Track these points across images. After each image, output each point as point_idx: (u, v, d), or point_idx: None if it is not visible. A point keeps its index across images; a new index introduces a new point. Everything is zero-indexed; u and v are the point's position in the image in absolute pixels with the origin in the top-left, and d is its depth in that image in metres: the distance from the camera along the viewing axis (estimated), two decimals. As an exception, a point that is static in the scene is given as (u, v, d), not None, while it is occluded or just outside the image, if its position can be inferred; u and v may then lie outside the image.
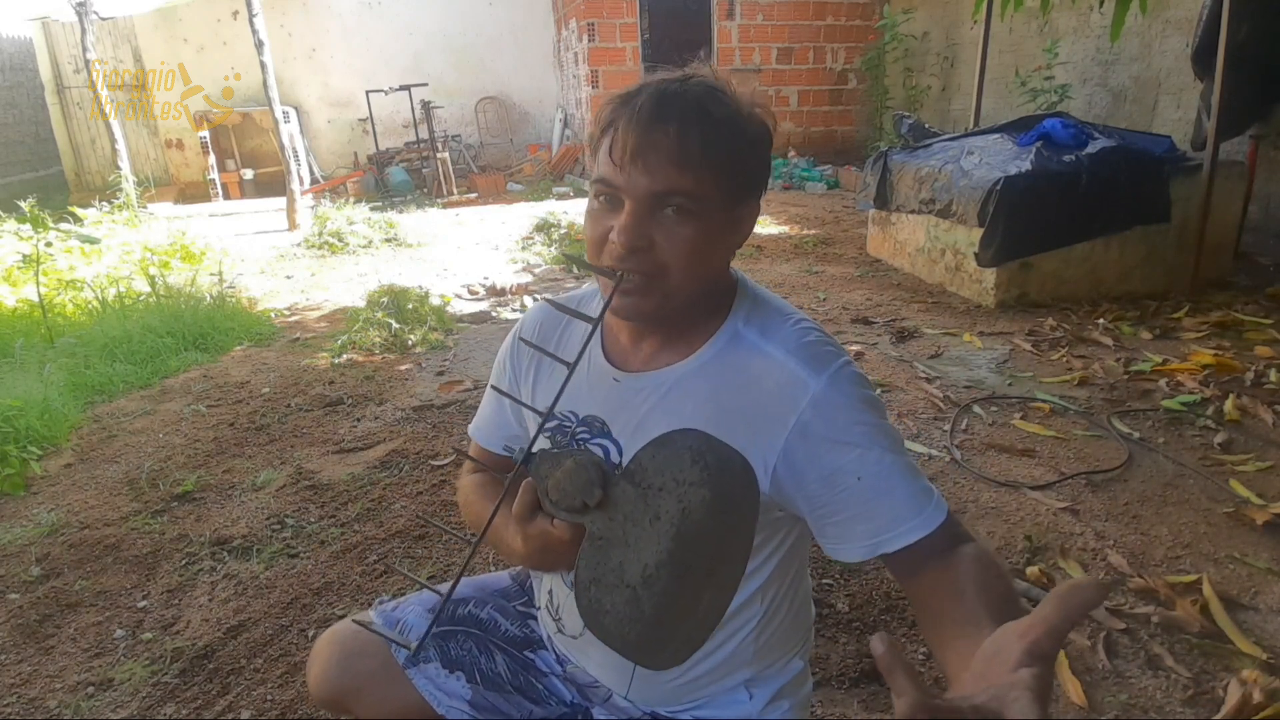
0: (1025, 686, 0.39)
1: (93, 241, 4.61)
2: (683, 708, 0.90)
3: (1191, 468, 2.18)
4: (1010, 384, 2.83)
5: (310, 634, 1.68)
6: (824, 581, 1.78)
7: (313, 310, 4.34)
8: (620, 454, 0.84)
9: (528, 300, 4.32)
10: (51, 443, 2.63)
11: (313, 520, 2.13)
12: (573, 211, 6.42)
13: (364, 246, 5.95)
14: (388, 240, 6.10)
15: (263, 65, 6.53)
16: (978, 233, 3.64)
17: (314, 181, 9.03)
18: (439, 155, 8.28)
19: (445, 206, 7.92)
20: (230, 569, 1.93)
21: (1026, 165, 3.58)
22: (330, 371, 3.27)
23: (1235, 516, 1.94)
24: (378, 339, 3.55)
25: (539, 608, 1.01)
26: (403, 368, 3.32)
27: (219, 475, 2.41)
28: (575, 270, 4.89)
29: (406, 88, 8.55)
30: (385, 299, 3.78)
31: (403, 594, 1.09)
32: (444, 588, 0.71)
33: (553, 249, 5.45)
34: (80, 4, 6.86)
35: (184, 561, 1.97)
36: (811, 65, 8.98)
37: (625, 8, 8.28)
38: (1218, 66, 3.43)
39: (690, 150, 0.72)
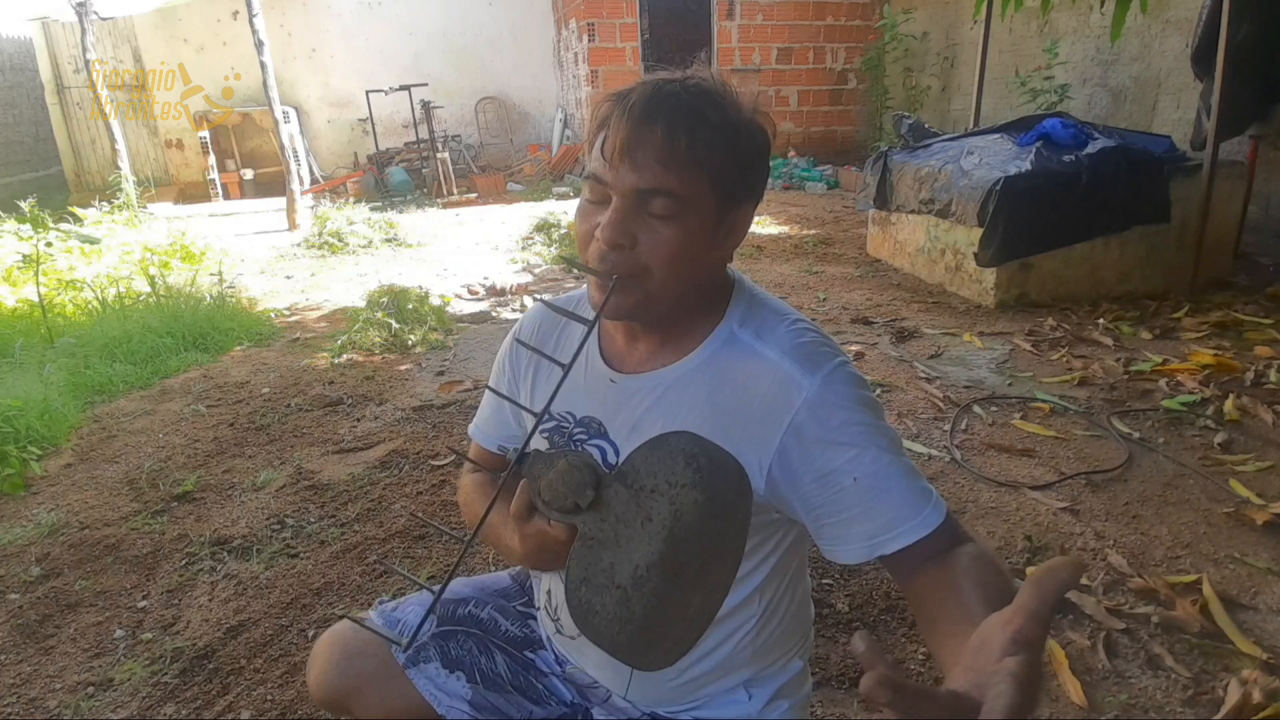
0: (1008, 673, 0.38)
1: (93, 241, 4.62)
2: (682, 708, 0.90)
3: (1191, 468, 2.18)
4: (1010, 384, 2.83)
5: (310, 634, 1.68)
6: (824, 581, 1.78)
7: (313, 310, 4.34)
8: (616, 455, 0.84)
9: (528, 300, 4.32)
10: (51, 443, 2.63)
11: (313, 520, 2.13)
12: (572, 211, 6.36)
13: (364, 246, 5.95)
14: (388, 240, 6.10)
15: (263, 65, 6.53)
16: (978, 233, 3.64)
17: (314, 181, 9.04)
18: (439, 155, 8.28)
19: (445, 206, 7.92)
20: (230, 569, 1.93)
21: (1026, 165, 3.58)
22: (330, 371, 3.27)
23: (1235, 516, 1.94)
24: (378, 339, 3.55)
25: (538, 608, 1.01)
26: (403, 368, 3.32)
27: (219, 475, 2.41)
28: (575, 270, 4.89)
29: (406, 88, 8.55)
30: (385, 299, 3.78)
31: (403, 594, 1.09)
32: (438, 587, 0.71)
33: (553, 249, 5.45)
34: (80, 4, 6.85)
35: (184, 561, 1.97)
36: (811, 65, 8.98)
37: (625, 8, 8.28)
38: (1218, 66, 3.43)
39: (678, 150, 0.71)
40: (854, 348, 3.24)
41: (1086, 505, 2.03)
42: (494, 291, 4.53)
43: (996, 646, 0.40)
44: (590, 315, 0.87)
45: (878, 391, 2.82)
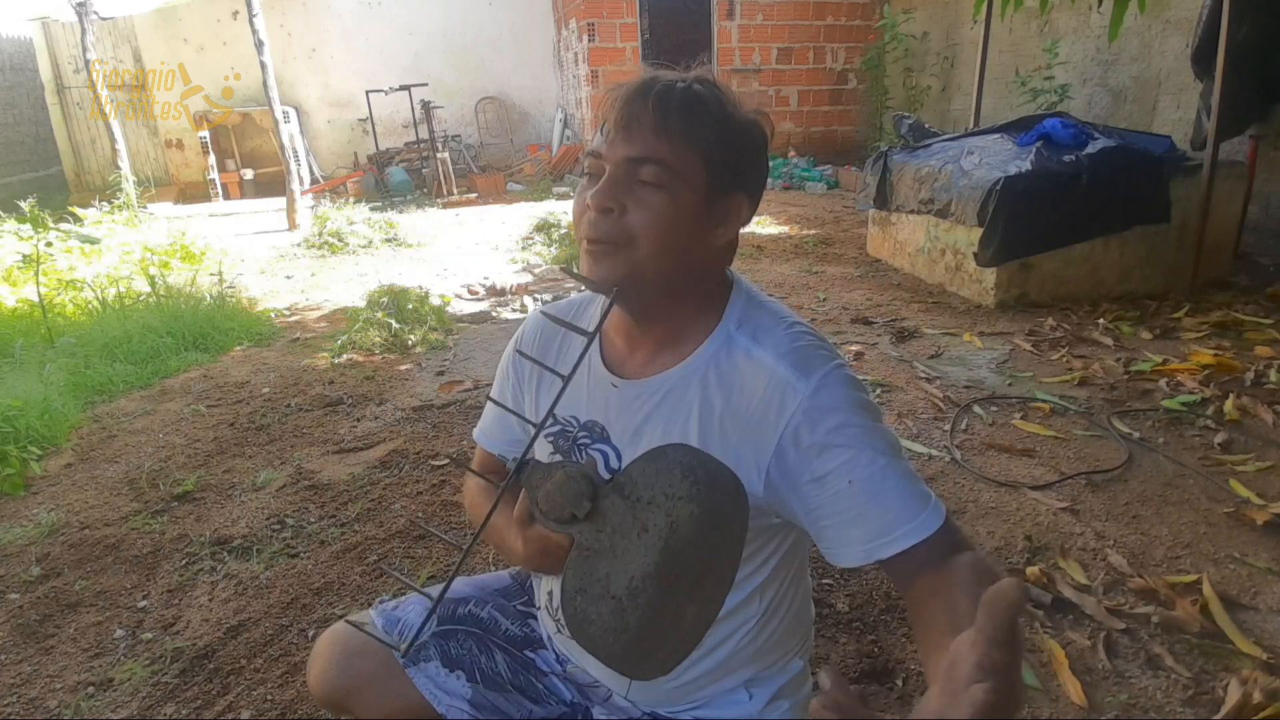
0: (970, 703, 0.38)
1: (93, 241, 4.62)
2: (683, 708, 0.90)
3: (1191, 468, 2.18)
4: (1010, 384, 2.83)
5: (310, 634, 1.68)
6: (824, 581, 1.78)
7: (313, 310, 4.34)
8: (619, 459, 0.84)
9: (528, 300, 4.32)
10: (51, 443, 2.63)
11: (313, 520, 2.13)
12: (573, 212, 6.40)
13: (364, 246, 5.95)
14: (388, 240, 6.10)
15: (263, 65, 6.53)
16: (978, 233, 3.64)
17: (314, 181, 9.04)
18: (439, 155, 8.28)
19: (445, 206, 7.93)
20: (230, 569, 1.93)
21: (1026, 165, 3.58)
22: (330, 371, 3.27)
23: (1235, 516, 1.94)
24: (378, 339, 3.55)
25: (539, 607, 1.01)
26: (403, 368, 3.32)
27: (219, 475, 2.41)
28: (575, 270, 4.89)
29: (406, 88, 8.55)
30: (385, 299, 3.78)
31: (403, 594, 1.09)
32: (435, 590, 0.71)
33: (553, 249, 5.45)
34: (80, 4, 6.85)
35: (184, 561, 1.97)
36: (811, 65, 8.98)
37: (625, 8, 8.28)
38: (1218, 66, 3.43)
39: (672, 123, 0.74)
40: (854, 348, 3.24)
41: (1086, 505, 2.03)
42: (494, 291, 4.54)
43: (963, 673, 0.40)
44: (592, 319, 0.87)
45: (878, 391, 2.82)
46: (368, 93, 8.89)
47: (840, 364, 0.78)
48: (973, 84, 4.98)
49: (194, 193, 8.90)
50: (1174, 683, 1.44)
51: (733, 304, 0.83)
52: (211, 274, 4.54)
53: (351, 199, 7.65)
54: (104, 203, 6.46)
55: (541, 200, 7.81)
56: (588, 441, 0.86)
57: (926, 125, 4.99)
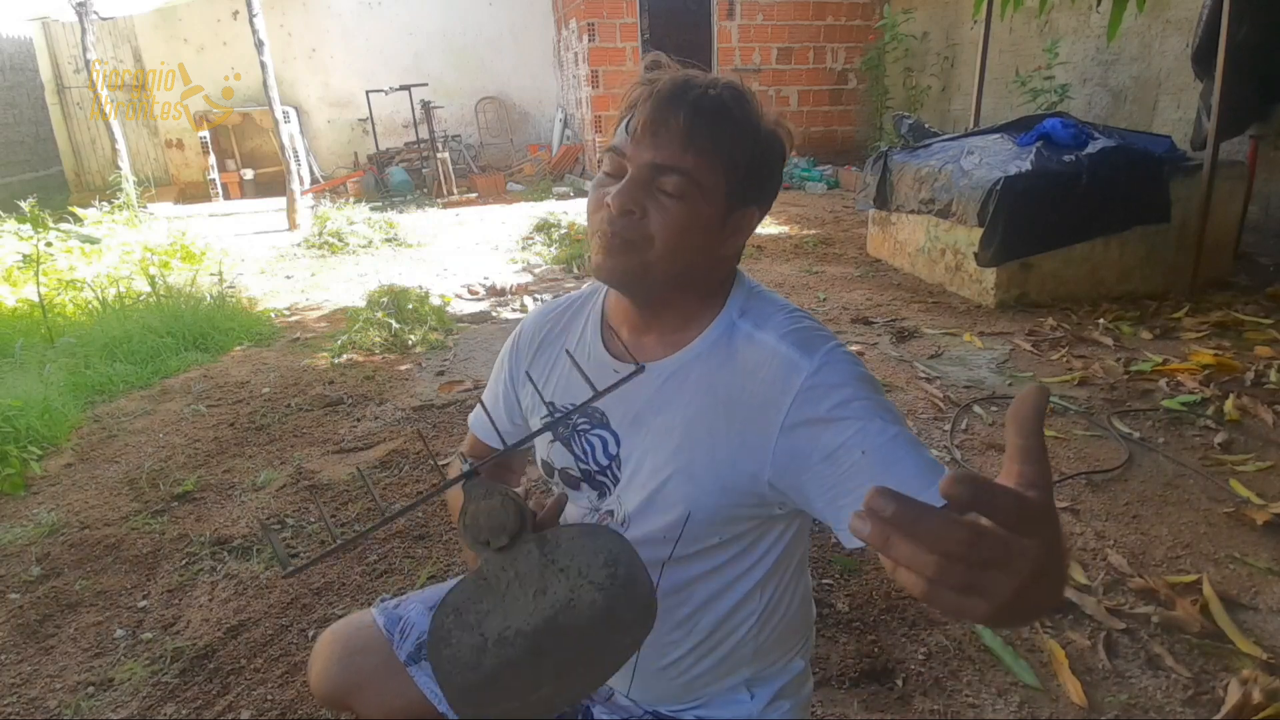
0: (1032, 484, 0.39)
1: (93, 241, 4.62)
2: (684, 707, 0.90)
3: (1191, 468, 2.18)
4: (1010, 384, 2.83)
5: (310, 634, 1.68)
6: (824, 581, 1.78)
7: (313, 310, 4.34)
8: (618, 445, 0.84)
9: (528, 300, 4.32)
10: (51, 443, 2.63)
11: (313, 520, 2.13)
12: (573, 211, 6.42)
13: (364, 246, 5.95)
14: (388, 240, 6.10)
15: (263, 65, 6.53)
16: (978, 233, 3.64)
17: (314, 181, 9.03)
18: (439, 155, 8.28)
19: (445, 206, 7.92)
20: (230, 569, 1.93)
21: (1026, 165, 3.58)
22: (330, 371, 3.27)
23: (1235, 516, 1.94)
24: (378, 339, 3.55)
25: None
26: (403, 368, 3.32)
27: (219, 475, 2.41)
28: (575, 270, 4.90)
29: (406, 88, 8.55)
30: (385, 299, 3.78)
31: (403, 593, 1.09)
32: (433, 591, 0.72)
33: (553, 249, 5.45)
34: (80, 4, 6.85)
35: (184, 561, 1.97)
36: (811, 65, 8.98)
37: (625, 8, 8.28)
38: (1218, 66, 3.43)
39: (699, 135, 0.74)
40: (854, 347, 3.24)
41: (1087, 505, 2.03)
42: (494, 291, 4.54)
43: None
44: (591, 313, 0.88)
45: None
46: (368, 93, 8.89)
47: (840, 344, 0.79)
48: (973, 84, 4.98)
49: (194, 193, 8.89)
50: (1174, 683, 1.44)
51: (735, 295, 0.84)
52: (211, 274, 4.54)
53: (351, 199, 7.65)
54: (104, 203, 6.45)
55: (541, 200, 7.81)
56: (586, 427, 0.87)
57: (926, 125, 4.99)
